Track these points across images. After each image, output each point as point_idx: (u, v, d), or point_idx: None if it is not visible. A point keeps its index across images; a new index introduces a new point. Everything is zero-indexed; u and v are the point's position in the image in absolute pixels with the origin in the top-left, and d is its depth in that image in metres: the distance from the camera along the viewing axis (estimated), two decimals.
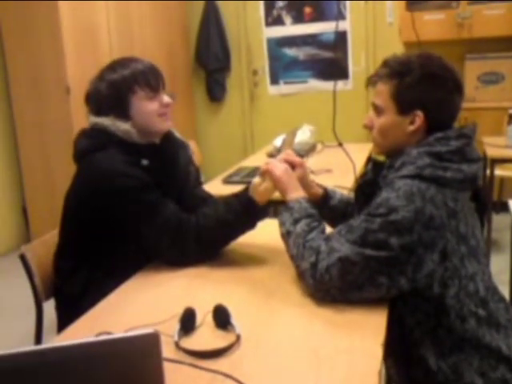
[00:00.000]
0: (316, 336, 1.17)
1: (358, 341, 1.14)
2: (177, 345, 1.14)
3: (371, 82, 1.40)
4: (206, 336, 1.19)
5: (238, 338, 1.15)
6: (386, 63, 1.37)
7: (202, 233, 1.53)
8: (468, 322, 1.24)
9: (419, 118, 1.31)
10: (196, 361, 1.09)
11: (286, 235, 1.41)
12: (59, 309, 1.67)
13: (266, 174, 1.51)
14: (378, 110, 1.37)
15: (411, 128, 1.32)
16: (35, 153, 3.88)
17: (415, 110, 1.31)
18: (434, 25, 4.43)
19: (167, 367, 0.96)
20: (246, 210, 1.53)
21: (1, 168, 3.97)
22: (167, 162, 1.70)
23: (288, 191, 1.46)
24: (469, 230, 1.28)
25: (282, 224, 1.43)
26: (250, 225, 1.58)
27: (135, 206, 1.53)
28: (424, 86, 1.30)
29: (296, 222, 1.39)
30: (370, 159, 1.50)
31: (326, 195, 1.65)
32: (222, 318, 1.21)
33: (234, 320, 1.20)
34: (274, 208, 1.65)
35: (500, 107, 4.14)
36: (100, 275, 1.58)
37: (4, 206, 4.04)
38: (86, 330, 1.23)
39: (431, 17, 4.45)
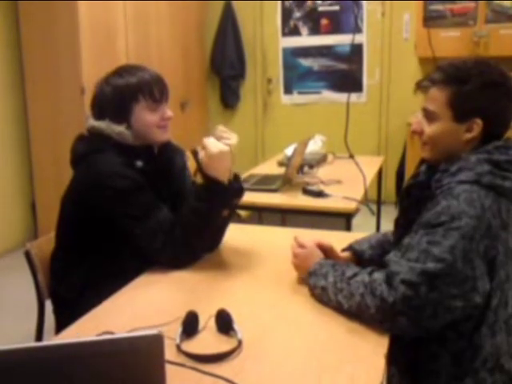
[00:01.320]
0: (319, 345, 1.16)
1: (360, 351, 1.13)
2: (178, 348, 1.13)
3: (422, 86, 1.34)
4: (208, 340, 1.19)
5: (240, 343, 1.15)
6: (440, 68, 1.32)
7: (181, 230, 1.53)
8: (496, 336, 1.21)
9: (478, 125, 1.27)
10: (197, 364, 1.08)
11: (322, 293, 1.32)
12: (57, 312, 1.67)
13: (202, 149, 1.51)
14: (431, 117, 1.32)
15: (468, 136, 1.29)
16: (47, 150, 3.90)
17: (474, 118, 1.27)
18: (450, 42, 4.43)
19: (168, 369, 0.96)
20: (206, 188, 1.51)
21: (12, 164, 4.00)
22: (162, 165, 1.71)
23: (308, 265, 1.40)
24: None
25: (313, 288, 1.36)
26: (222, 202, 1.55)
27: (128, 206, 1.54)
28: (486, 94, 1.27)
29: (325, 276, 1.32)
30: (423, 161, 1.42)
31: (356, 254, 1.56)
32: (224, 322, 1.21)
33: (237, 325, 1.20)
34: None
35: None
36: (96, 278, 1.58)
37: (13, 202, 4.06)
38: (87, 329, 1.23)
39: (447, 34, 4.45)
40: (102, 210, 1.55)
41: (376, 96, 5.03)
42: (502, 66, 1.31)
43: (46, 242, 1.75)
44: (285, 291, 1.42)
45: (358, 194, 2.43)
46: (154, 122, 1.63)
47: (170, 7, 4.58)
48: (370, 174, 2.88)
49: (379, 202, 3.61)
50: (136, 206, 1.54)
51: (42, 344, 0.90)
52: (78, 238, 1.62)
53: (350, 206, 2.31)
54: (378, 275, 1.22)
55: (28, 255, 1.65)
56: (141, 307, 1.36)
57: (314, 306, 1.32)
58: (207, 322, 1.24)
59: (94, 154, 1.60)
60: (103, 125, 1.61)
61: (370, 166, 3.09)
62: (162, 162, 1.71)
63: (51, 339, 1.24)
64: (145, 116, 1.62)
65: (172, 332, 1.17)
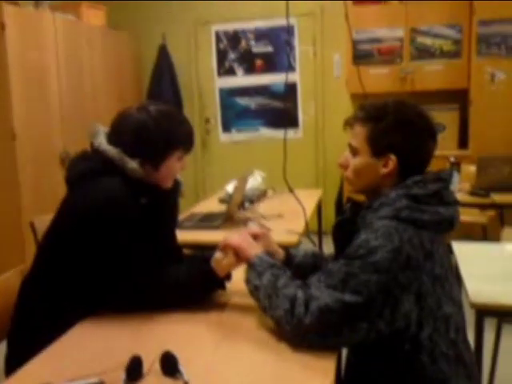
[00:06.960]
0: (265, 382, 1.15)
1: (308, 383, 1.13)
2: None
3: (349, 123, 1.43)
4: None
5: None
6: (362, 107, 1.41)
7: (158, 290, 1.52)
8: (438, 363, 1.24)
9: (392, 161, 1.34)
10: None
11: (254, 291, 1.39)
12: (13, 342, 1.56)
13: (225, 248, 1.50)
14: (354, 151, 1.40)
15: (384, 170, 1.36)
16: None
17: (389, 154, 1.34)
18: (378, 78, 4.66)
19: None
20: (204, 281, 1.53)
21: None
22: (165, 203, 1.67)
23: (248, 254, 1.45)
24: (443, 272, 1.30)
25: (247, 282, 1.42)
26: (205, 293, 1.58)
27: (123, 239, 1.48)
28: (398, 131, 1.34)
29: (260, 275, 1.38)
30: (349, 199, 1.51)
31: (289, 255, 1.64)
32: (169, 365, 1.18)
33: (182, 367, 1.17)
34: None
35: (441, 155, 4.29)
36: (63, 309, 1.51)
37: None
38: (28, 381, 1.17)
39: (376, 71, 4.69)
40: (95, 237, 1.47)
41: (312, 131, 5.18)
42: (420, 107, 1.39)
43: None
44: (228, 329, 1.41)
45: (300, 226, 2.47)
46: (177, 172, 1.63)
47: (104, 50, 4.58)
48: (310, 206, 2.94)
49: (320, 233, 3.66)
50: (128, 243, 1.49)
51: None
52: (58, 263, 1.53)
53: (292, 238, 2.33)
54: (301, 294, 1.28)
55: None
56: (83, 354, 1.31)
57: (257, 343, 1.31)
58: (152, 365, 1.20)
59: (102, 175, 1.50)
60: (114, 153, 1.52)
61: (310, 198, 3.15)
62: (165, 200, 1.67)
63: None
64: (174, 165, 1.61)
65: (116, 379, 1.13)
